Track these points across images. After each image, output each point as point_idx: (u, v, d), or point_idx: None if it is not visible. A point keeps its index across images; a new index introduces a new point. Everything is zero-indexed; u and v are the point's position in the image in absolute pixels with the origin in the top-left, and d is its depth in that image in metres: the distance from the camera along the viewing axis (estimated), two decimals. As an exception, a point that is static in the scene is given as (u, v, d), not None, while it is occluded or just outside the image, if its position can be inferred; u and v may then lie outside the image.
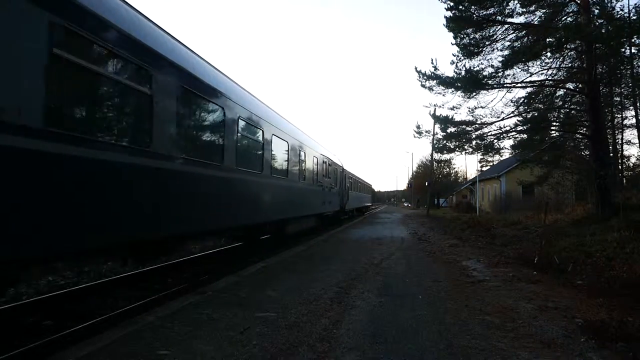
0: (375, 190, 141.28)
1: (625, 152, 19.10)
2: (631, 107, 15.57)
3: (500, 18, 12.89)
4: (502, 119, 13.74)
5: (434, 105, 15.40)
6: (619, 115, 16.95)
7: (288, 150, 9.99)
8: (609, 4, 11.04)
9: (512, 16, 12.97)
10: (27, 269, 4.68)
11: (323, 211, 14.95)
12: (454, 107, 14.75)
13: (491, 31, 13.17)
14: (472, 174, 53.51)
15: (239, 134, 7.00)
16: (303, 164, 11.52)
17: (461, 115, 15.61)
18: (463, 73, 13.08)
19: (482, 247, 10.48)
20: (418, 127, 17.56)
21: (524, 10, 12.85)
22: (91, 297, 5.78)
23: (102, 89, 3.98)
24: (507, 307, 4.58)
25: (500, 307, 4.56)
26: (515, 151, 15.93)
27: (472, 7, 12.61)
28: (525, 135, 14.19)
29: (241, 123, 7.12)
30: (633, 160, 19.97)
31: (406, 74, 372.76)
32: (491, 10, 12.76)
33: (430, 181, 39.09)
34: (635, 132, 16.50)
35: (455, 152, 15.57)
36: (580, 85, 13.05)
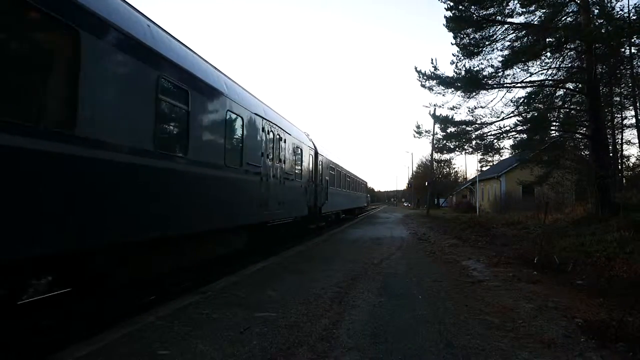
0: (375, 190, 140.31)
1: (625, 152, 19.10)
2: (631, 107, 15.57)
3: (500, 18, 12.90)
4: (502, 119, 13.76)
5: (434, 105, 15.44)
6: (619, 115, 16.94)
7: (146, 89, 4.71)
8: (609, 4, 11.04)
9: (512, 16, 12.99)
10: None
11: (267, 219, 8.76)
12: (454, 107, 14.76)
13: (491, 31, 13.17)
14: (472, 174, 53.55)
15: None
16: (200, 126, 5.87)
17: (461, 115, 15.53)
18: (463, 73, 13.09)
19: (482, 247, 10.47)
20: (418, 127, 17.59)
21: (524, 10, 12.85)
22: (91, 297, 5.78)
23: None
24: (507, 307, 4.58)
25: (500, 307, 4.56)
26: (515, 151, 15.94)
27: (472, 7, 12.61)
28: (525, 135, 14.20)
29: None
30: (633, 160, 19.93)
31: (406, 74, 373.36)
32: (491, 10, 12.76)
33: (430, 181, 39.09)
34: (635, 132, 16.50)
35: (455, 152, 15.61)
36: (580, 85, 13.06)
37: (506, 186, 28.55)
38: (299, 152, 11.63)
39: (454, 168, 62.72)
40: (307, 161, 12.67)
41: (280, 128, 9.75)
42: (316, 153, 14.11)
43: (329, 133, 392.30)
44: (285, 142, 10.08)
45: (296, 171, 11.17)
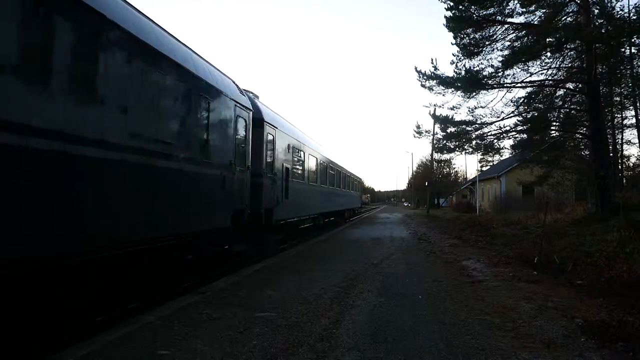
0: (376, 190, 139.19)
1: (625, 152, 19.12)
2: (631, 107, 15.62)
3: (500, 18, 12.89)
4: (502, 119, 13.75)
5: (434, 105, 15.40)
6: (619, 115, 16.98)
7: None
8: (609, 4, 11.04)
9: (512, 16, 12.99)
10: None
11: (27, 253, 3.08)
12: (454, 107, 14.75)
13: (491, 31, 13.17)
14: (472, 174, 53.42)
15: None
16: None
17: (461, 115, 15.41)
18: (463, 73, 13.08)
19: (482, 247, 10.47)
20: (418, 127, 17.56)
21: (524, 10, 12.84)
22: (91, 297, 5.77)
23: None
24: (507, 307, 4.58)
25: (500, 307, 4.56)
26: (515, 151, 15.94)
27: (472, 7, 12.61)
28: (525, 135, 14.20)
29: None
30: (633, 160, 19.99)
31: (406, 74, 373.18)
32: (491, 10, 12.76)
33: (430, 181, 39.10)
34: (635, 132, 16.55)
35: (455, 152, 15.60)
36: (580, 85, 13.05)
37: (506, 186, 28.51)
38: (209, 107, 6.07)
39: (454, 168, 62.64)
40: (235, 131, 7.08)
41: (132, 35, 4.22)
42: (261, 122, 8.53)
43: (330, 133, 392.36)
44: (149, 68, 4.56)
45: (194, 143, 5.65)
